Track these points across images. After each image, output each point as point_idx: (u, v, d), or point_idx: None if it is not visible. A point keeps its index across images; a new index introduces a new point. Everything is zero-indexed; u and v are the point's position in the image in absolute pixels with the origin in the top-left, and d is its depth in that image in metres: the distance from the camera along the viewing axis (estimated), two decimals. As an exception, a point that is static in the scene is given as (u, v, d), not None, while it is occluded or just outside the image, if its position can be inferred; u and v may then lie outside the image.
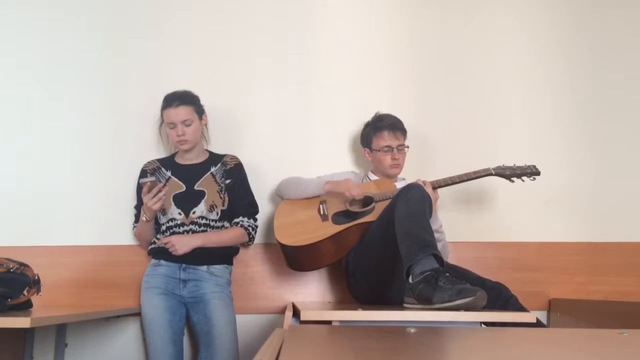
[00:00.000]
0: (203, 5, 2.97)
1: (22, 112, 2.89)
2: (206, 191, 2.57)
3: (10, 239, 2.73)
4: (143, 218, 2.50)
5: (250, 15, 2.97)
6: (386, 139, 2.60)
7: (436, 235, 2.40)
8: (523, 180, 2.55)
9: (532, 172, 2.55)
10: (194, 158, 2.66)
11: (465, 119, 2.93)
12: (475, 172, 2.52)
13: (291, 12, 2.98)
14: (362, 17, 3.00)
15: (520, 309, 2.29)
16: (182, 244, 2.47)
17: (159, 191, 2.40)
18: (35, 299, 2.17)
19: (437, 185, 2.49)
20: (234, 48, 2.94)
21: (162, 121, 2.59)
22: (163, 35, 2.95)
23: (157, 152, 2.80)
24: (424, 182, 2.45)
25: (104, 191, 2.83)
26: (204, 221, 2.54)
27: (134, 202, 2.70)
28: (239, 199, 2.62)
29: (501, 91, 2.96)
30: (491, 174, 2.54)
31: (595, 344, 1.11)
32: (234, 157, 2.68)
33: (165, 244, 2.48)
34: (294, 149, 2.89)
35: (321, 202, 2.53)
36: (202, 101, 2.62)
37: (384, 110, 2.70)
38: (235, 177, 2.63)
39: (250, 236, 2.61)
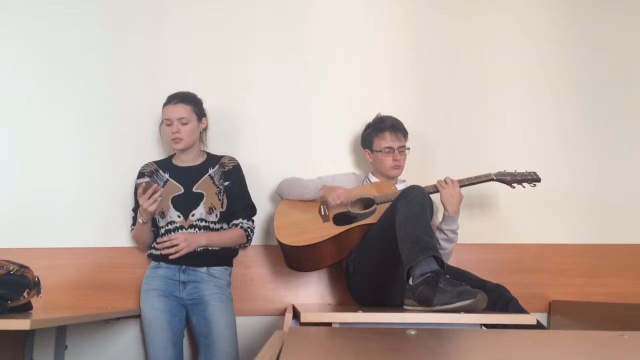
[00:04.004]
0: (202, 6, 2.97)
1: (21, 114, 2.90)
2: (205, 193, 2.57)
3: (10, 241, 2.73)
4: (140, 220, 2.50)
5: (248, 15, 2.97)
6: (388, 139, 2.60)
7: (452, 236, 2.44)
8: (524, 187, 2.56)
9: (532, 178, 2.56)
10: (191, 160, 2.65)
11: (465, 120, 2.93)
12: (476, 177, 2.53)
13: (290, 12, 2.99)
14: (362, 17, 3.01)
15: (521, 311, 2.29)
16: (189, 241, 2.46)
17: (154, 192, 2.39)
18: (35, 301, 2.17)
19: (433, 190, 2.48)
20: (233, 48, 2.94)
21: (162, 119, 2.60)
22: (162, 37, 2.95)
23: (157, 154, 2.80)
24: (452, 181, 2.45)
25: (103, 193, 2.83)
26: (203, 223, 2.54)
27: (133, 204, 2.70)
28: (238, 201, 2.62)
29: (501, 93, 2.96)
30: (492, 180, 2.54)
31: (595, 346, 1.11)
32: (232, 159, 2.68)
33: (170, 240, 2.46)
34: (294, 150, 2.89)
35: (322, 203, 2.53)
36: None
37: (384, 111, 2.71)
38: (233, 178, 2.63)
39: (249, 238, 2.62)
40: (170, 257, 2.46)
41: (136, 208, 2.58)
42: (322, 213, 2.50)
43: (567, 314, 2.65)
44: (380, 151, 2.61)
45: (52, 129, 2.88)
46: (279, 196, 2.68)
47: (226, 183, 2.61)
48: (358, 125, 2.78)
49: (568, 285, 2.80)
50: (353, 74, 2.96)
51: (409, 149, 2.65)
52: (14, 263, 2.14)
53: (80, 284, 2.75)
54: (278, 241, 2.47)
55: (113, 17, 2.96)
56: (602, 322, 2.32)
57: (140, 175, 2.63)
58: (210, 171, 2.63)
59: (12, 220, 2.80)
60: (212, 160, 2.67)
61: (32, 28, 2.94)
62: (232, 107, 2.89)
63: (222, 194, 2.59)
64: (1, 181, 2.84)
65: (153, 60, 2.93)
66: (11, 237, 2.76)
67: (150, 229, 2.57)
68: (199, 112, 2.60)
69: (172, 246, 2.45)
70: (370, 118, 2.71)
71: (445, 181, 2.46)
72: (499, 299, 2.31)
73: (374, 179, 2.67)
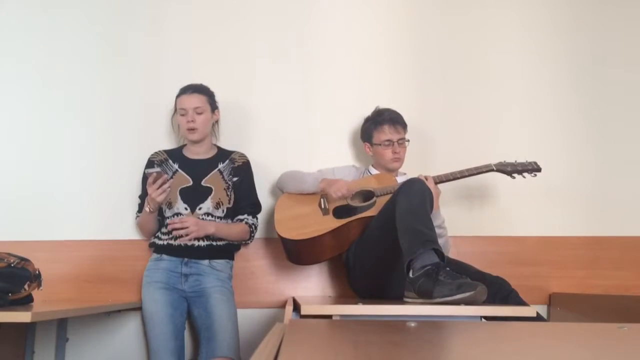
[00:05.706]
0: (203, 3, 2.96)
1: (23, 107, 2.89)
2: (213, 188, 2.57)
3: (11, 233, 2.74)
4: (147, 209, 2.49)
5: (250, 12, 2.96)
6: (387, 132, 2.60)
7: (438, 231, 2.40)
8: (524, 177, 2.56)
9: (533, 168, 2.55)
10: (202, 153, 2.65)
11: (465, 113, 2.93)
12: (476, 168, 2.53)
13: (291, 7, 2.98)
14: (362, 12, 2.99)
15: (521, 303, 2.30)
16: (199, 226, 2.45)
17: (164, 183, 2.39)
18: (36, 294, 2.17)
19: (439, 180, 2.49)
20: (235, 44, 2.94)
21: (175, 110, 2.60)
22: (163, 32, 2.94)
23: (157, 148, 2.79)
24: (425, 177, 2.45)
25: (104, 186, 2.83)
26: (209, 218, 2.54)
27: (134, 196, 2.70)
28: (245, 198, 2.62)
29: (501, 86, 2.96)
30: (492, 170, 2.54)
31: (595, 338, 1.11)
32: (243, 155, 2.68)
33: (181, 222, 2.44)
34: (295, 144, 2.89)
35: (322, 196, 2.53)
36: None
37: (385, 105, 2.70)
38: (243, 175, 2.63)
39: (252, 235, 2.62)
40: (180, 239, 2.45)
41: (143, 196, 2.58)
42: (322, 206, 2.50)
43: (567, 306, 2.66)
44: (380, 144, 2.61)
45: (53, 123, 2.88)
46: (279, 190, 2.68)
47: (235, 179, 2.61)
48: (359, 119, 2.77)
49: (568, 277, 2.81)
50: (353, 68, 2.95)
51: (408, 141, 2.64)
52: (14, 256, 2.14)
53: (81, 276, 2.76)
54: (279, 235, 2.47)
55: (113, 14, 2.95)
56: (602, 314, 2.33)
57: (150, 163, 2.63)
58: (220, 166, 2.63)
59: (12, 213, 2.81)
60: (223, 154, 2.67)
61: (33, 22, 2.93)
62: (233, 102, 2.88)
63: (230, 189, 2.59)
64: (2, 174, 2.84)
65: (154, 57, 2.92)
66: (12, 229, 2.76)
67: (156, 218, 2.57)
68: (212, 103, 2.62)
69: (183, 228, 2.44)
70: (370, 111, 2.70)
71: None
72: (499, 291, 2.31)
73: (374, 172, 2.66)
